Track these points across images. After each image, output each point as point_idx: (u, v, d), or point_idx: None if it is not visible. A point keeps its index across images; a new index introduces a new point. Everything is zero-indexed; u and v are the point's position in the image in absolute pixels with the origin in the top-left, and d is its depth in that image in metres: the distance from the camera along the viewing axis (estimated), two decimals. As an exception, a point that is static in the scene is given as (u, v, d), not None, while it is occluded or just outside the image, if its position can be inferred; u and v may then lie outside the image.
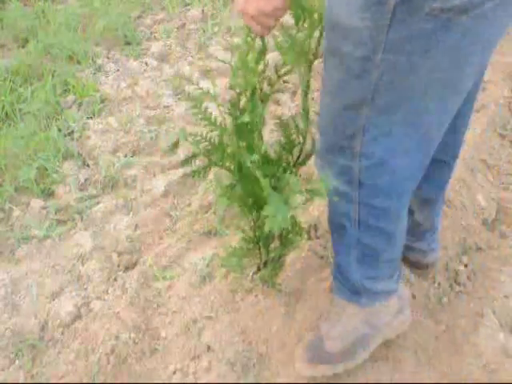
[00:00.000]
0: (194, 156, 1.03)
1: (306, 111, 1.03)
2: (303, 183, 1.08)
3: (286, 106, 2.02)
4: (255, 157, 0.91)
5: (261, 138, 0.98)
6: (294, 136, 1.05)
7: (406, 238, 1.16)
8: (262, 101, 0.98)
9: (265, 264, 1.27)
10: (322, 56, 0.89)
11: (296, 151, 1.06)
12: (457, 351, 1.22)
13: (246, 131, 0.95)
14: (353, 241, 1.04)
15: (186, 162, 1.05)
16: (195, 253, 1.47)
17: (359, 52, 0.78)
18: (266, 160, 0.99)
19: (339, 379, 1.14)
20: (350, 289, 1.12)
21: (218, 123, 0.98)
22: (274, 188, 0.95)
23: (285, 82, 1.03)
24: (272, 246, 1.23)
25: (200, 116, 0.96)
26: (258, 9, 0.81)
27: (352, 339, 1.14)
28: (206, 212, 1.59)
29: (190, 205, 1.64)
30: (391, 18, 0.72)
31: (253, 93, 0.92)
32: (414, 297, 1.33)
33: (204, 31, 2.48)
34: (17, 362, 1.23)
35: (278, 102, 2.04)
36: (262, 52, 0.92)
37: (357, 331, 1.14)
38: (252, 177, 0.96)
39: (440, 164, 1.14)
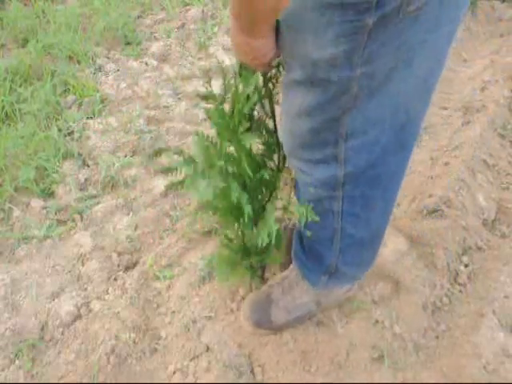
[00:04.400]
0: (180, 163, 1.02)
1: (273, 115, 1.03)
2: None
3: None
4: (240, 194, 0.93)
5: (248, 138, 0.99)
6: (270, 141, 1.05)
7: None
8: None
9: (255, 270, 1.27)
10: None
11: (276, 156, 1.06)
12: (457, 351, 1.22)
13: (231, 132, 0.95)
14: (335, 230, 1.05)
15: (169, 169, 1.04)
16: (195, 253, 1.47)
17: (336, 75, 0.77)
18: (254, 162, 1.00)
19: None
20: (319, 270, 1.15)
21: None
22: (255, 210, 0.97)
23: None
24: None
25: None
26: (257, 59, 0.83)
27: (297, 315, 1.23)
28: (206, 212, 1.59)
29: (190, 205, 1.64)
30: (368, 35, 0.71)
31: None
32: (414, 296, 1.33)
33: (204, 31, 2.48)
34: (17, 362, 1.23)
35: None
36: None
37: (304, 308, 1.23)
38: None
39: None
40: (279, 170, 1.07)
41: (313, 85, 0.81)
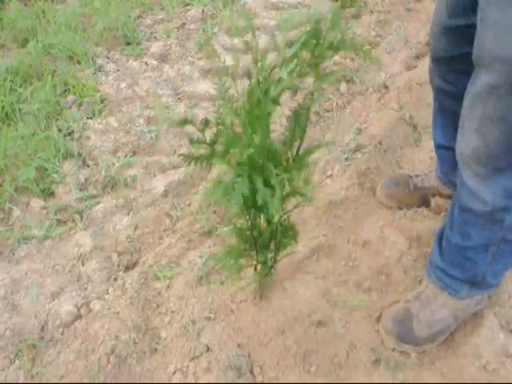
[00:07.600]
0: (199, 143, 1.02)
1: (306, 109, 1.02)
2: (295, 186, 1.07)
3: (286, 105, 2.02)
4: (250, 150, 0.92)
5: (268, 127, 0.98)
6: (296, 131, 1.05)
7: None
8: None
9: (263, 264, 1.26)
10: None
11: (295, 145, 1.06)
12: (457, 352, 1.22)
13: (258, 118, 0.94)
14: (496, 239, 1.08)
15: (193, 143, 1.03)
16: (195, 253, 1.47)
17: None
18: (271, 153, 0.99)
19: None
20: (463, 278, 1.18)
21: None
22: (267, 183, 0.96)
23: None
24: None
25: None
26: None
27: (437, 329, 1.22)
28: (206, 212, 1.59)
29: (189, 205, 1.64)
30: None
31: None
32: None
33: (204, 31, 2.48)
34: (17, 362, 1.24)
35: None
36: None
37: (443, 322, 1.22)
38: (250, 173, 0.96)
39: None
40: (294, 160, 1.07)
41: None
